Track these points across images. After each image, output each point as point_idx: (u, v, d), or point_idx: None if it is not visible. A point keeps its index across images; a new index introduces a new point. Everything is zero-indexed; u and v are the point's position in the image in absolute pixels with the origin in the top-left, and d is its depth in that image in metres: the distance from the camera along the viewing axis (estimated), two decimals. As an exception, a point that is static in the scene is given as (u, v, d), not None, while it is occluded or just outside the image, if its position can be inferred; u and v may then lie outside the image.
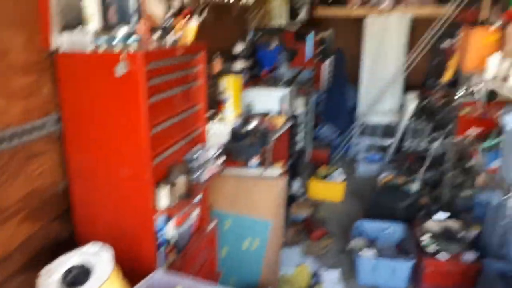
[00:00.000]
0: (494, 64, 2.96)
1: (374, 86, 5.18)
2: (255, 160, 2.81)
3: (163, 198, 1.72)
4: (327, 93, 5.17)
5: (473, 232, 3.18)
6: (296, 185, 4.19)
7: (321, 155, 4.96)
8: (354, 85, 5.38)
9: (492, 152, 3.08)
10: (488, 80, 2.99)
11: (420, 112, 4.66)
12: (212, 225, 2.51)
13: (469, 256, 2.89)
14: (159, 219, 1.84)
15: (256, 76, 3.58)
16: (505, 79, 2.80)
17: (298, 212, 3.99)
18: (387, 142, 5.05)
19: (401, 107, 5.05)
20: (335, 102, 5.14)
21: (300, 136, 4.18)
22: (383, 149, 5.10)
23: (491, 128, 3.24)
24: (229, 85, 2.74)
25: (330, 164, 4.89)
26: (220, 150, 2.28)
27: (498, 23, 3.09)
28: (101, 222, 1.79)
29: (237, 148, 2.71)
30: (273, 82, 3.52)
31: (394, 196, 3.87)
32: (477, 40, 3.16)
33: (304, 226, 3.84)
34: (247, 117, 3.04)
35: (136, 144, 1.62)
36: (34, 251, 1.68)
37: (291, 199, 3.98)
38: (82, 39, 1.50)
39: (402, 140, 4.85)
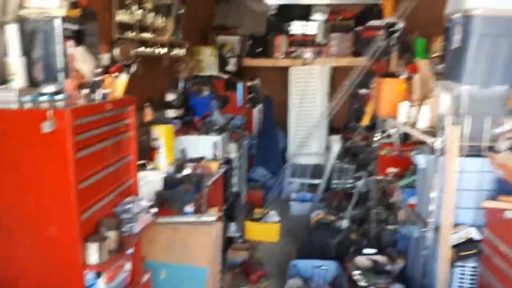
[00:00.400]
0: (403, 111, 3.31)
1: (301, 129, 5.49)
2: (190, 207, 2.81)
3: (93, 254, 1.67)
4: (259, 137, 5.37)
5: (399, 265, 3.39)
6: (233, 228, 4.21)
7: (256, 197, 5.05)
8: (284, 129, 5.65)
9: (409, 189, 3.38)
10: (400, 124, 3.33)
11: (344, 153, 4.99)
12: (146, 277, 2.43)
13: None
14: (89, 276, 1.77)
15: (189, 123, 3.65)
16: (414, 123, 3.14)
17: (235, 255, 3.97)
18: (316, 181, 5.28)
19: (327, 149, 5.36)
20: (266, 146, 5.34)
21: (235, 180, 4.25)
22: (314, 188, 5.32)
23: (407, 167, 3.56)
24: (161, 133, 2.77)
25: (265, 205, 4.99)
26: (153, 200, 2.27)
27: (405, 74, 3.50)
28: (25, 282, 1.68)
29: (171, 196, 2.69)
30: (206, 128, 3.61)
31: (326, 234, 4.03)
32: (388, 89, 3.53)
33: (242, 269, 3.81)
34: (181, 164, 3.06)
35: (63, 200, 1.57)
36: None
37: (228, 243, 3.98)
38: (6, 96, 1.48)
39: (330, 179, 5.11)
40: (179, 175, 2.85)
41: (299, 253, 3.95)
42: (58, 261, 1.65)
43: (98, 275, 1.87)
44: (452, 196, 2.68)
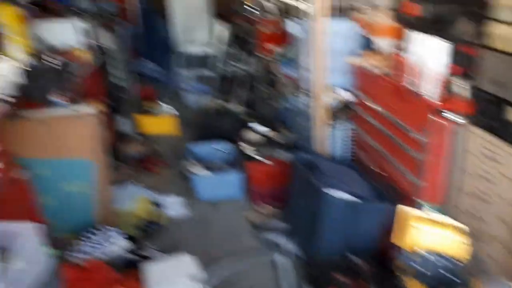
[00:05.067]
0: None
1: (185, 16, 5.15)
2: (61, 99, 2.58)
3: None
4: (141, 28, 4.96)
5: (288, 136, 3.63)
6: (125, 122, 4.07)
7: (147, 91, 4.87)
8: (164, 17, 5.27)
9: (289, 62, 3.46)
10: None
11: (233, 38, 4.89)
12: (23, 174, 2.29)
13: (286, 155, 3.25)
14: None
15: (46, 8, 3.15)
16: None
17: (132, 149, 3.90)
18: (207, 71, 5.20)
19: (215, 36, 5.19)
20: (151, 36, 4.99)
21: (118, 73, 3.96)
22: (207, 78, 5.25)
23: (288, 41, 3.59)
24: (6, 16, 2.37)
25: (159, 99, 4.86)
26: (8, 91, 2.03)
27: None
28: None
29: (35, 88, 2.42)
30: (71, 14, 3.17)
31: (221, 119, 4.13)
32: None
33: (140, 161, 3.80)
34: (43, 53, 2.72)
35: None
36: None
37: (122, 137, 3.87)
38: None
39: (221, 67, 5.06)
40: (43, 65, 2.55)
41: (196, 140, 4.02)
42: None
43: None
44: (323, 58, 2.78)
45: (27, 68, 2.46)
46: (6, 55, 2.42)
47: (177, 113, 4.56)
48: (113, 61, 3.79)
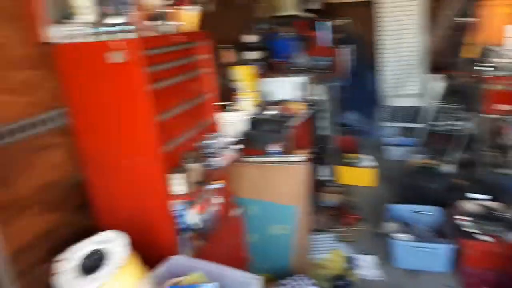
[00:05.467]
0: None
1: (396, 69, 5.03)
2: (276, 147, 2.78)
3: (178, 184, 1.74)
4: (350, 80, 5.05)
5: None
6: (325, 171, 4.13)
7: (349, 142, 4.86)
8: (372, 70, 5.24)
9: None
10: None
11: (450, 93, 4.46)
12: (237, 211, 2.52)
13: (513, 235, 2.70)
14: (177, 206, 1.86)
15: (272, 66, 3.54)
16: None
17: (329, 198, 3.91)
18: (415, 125, 4.86)
19: (427, 89, 4.86)
20: (359, 89, 5.00)
21: (324, 123, 4.10)
22: (412, 132, 4.91)
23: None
24: (243, 75, 2.73)
25: (359, 150, 4.78)
26: (237, 138, 2.28)
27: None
28: (120, 210, 1.83)
29: (256, 136, 2.69)
30: (291, 70, 3.48)
31: (427, 179, 3.73)
32: (496, 13, 3.02)
33: (336, 211, 3.76)
34: (265, 105, 3.02)
35: (143, 131, 1.63)
36: (58, 240, 1.72)
37: (320, 185, 3.92)
38: (78, 30, 1.52)
39: (431, 122, 4.65)
40: (264, 116, 2.82)
41: (397, 198, 3.74)
42: (146, 191, 1.74)
43: (188, 205, 1.96)
44: None
45: (253, 118, 2.74)
46: (237, 107, 2.77)
47: (377, 166, 4.38)
48: (322, 112, 3.93)
